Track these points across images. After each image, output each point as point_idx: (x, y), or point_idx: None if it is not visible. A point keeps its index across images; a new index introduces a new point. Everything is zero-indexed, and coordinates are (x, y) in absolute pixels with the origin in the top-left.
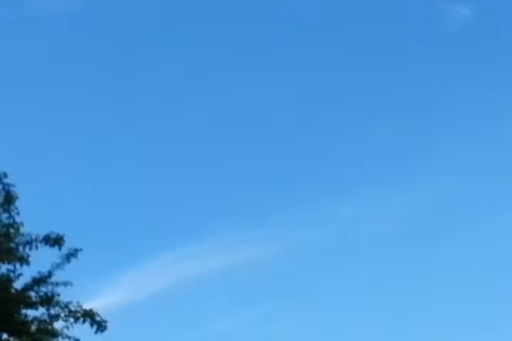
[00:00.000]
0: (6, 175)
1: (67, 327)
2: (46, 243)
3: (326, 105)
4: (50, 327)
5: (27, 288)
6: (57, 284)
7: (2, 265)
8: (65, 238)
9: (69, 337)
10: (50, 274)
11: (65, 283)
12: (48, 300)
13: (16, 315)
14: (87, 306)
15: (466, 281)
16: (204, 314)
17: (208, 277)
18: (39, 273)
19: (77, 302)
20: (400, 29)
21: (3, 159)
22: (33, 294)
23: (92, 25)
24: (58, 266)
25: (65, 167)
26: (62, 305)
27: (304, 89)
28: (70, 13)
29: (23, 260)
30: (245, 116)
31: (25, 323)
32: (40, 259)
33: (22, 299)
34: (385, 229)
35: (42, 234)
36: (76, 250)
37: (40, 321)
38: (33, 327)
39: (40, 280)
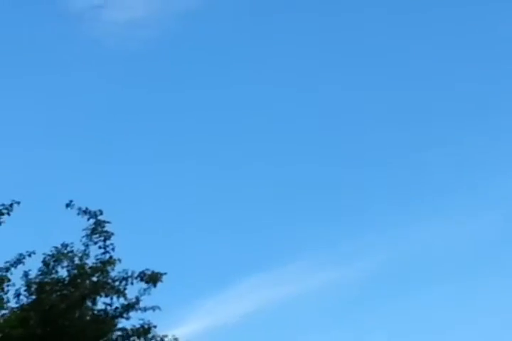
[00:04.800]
0: (101, 212)
1: None
2: (141, 280)
3: None
4: None
5: (116, 315)
6: (145, 309)
7: (99, 298)
8: (160, 275)
9: None
10: (137, 300)
11: (153, 308)
12: (144, 332)
13: None
14: (174, 333)
15: None
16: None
17: (290, 302)
18: (127, 299)
19: (173, 335)
20: None
21: (99, 195)
22: (129, 327)
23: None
24: (145, 291)
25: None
26: (158, 339)
27: None
28: None
29: (120, 293)
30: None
31: None
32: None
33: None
34: None
35: (137, 269)
36: (161, 274)
37: None
38: None
39: (129, 307)
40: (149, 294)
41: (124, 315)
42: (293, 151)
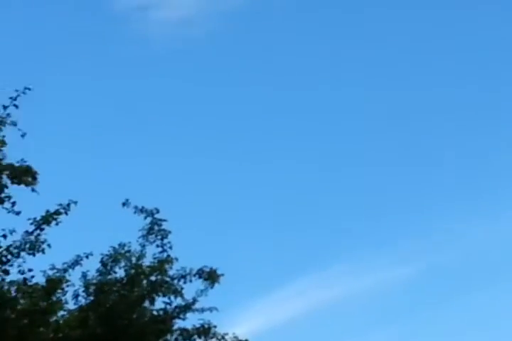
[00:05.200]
0: (157, 211)
1: None
2: (200, 277)
3: None
4: None
5: (174, 316)
6: (202, 310)
7: (158, 298)
8: (218, 272)
9: None
10: (194, 301)
11: (211, 309)
12: (204, 332)
13: None
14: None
15: None
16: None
17: (339, 303)
18: (184, 300)
19: (233, 333)
20: None
21: (155, 194)
22: (189, 327)
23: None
24: (202, 292)
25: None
26: (219, 337)
27: None
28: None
29: (177, 293)
30: None
31: None
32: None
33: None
34: None
35: (195, 267)
36: (218, 275)
37: None
38: None
39: (186, 307)
40: (206, 295)
41: (181, 316)
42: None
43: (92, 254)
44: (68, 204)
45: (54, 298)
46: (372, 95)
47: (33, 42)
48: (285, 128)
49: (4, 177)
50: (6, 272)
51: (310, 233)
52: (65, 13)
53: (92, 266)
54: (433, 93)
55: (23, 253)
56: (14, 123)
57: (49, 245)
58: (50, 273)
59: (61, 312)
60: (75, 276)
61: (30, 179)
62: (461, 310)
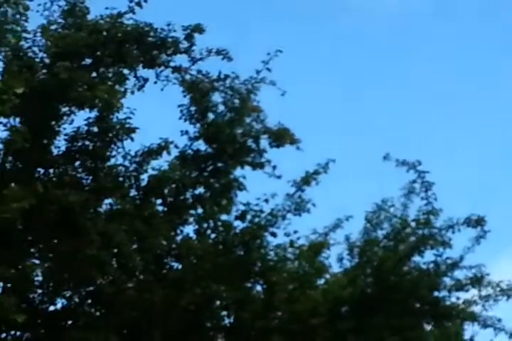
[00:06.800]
0: (419, 163)
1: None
2: (468, 225)
3: None
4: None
5: (441, 275)
6: (470, 268)
7: (427, 250)
8: (485, 218)
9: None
10: (461, 258)
11: (479, 266)
12: (478, 281)
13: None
14: None
15: None
16: None
17: None
18: (450, 258)
19: (509, 280)
20: None
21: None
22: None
23: None
24: (469, 249)
25: None
26: (494, 285)
27: None
28: None
29: (446, 244)
30: None
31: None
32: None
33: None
34: None
35: (461, 217)
36: (485, 232)
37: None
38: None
39: (453, 265)
40: (473, 252)
41: (449, 275)
42: None
43: (352, 216)
44: (327, 163)
45: (318, 262)
46: None
47: None
48: None
49: (263, 141)
50: (274, 234)
51: None
52: None
53: (354, 229)
54: None
55: (288, 215)
56: (273, 83)
57: (314, 204)
58: (313, 237)
59: (327, 276)
60: (337, 239)
61: (288, 143)
62: None
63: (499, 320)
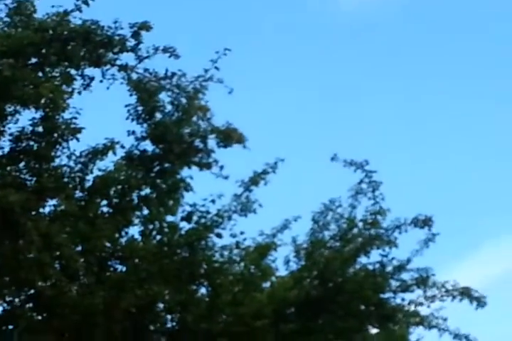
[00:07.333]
0: (367, 163)
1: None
2: (415, 225)
3: None
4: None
5: (387, 276)
6: (418, 270)
7: (373, 251)
8: (433, 218)
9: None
10: (408, 261)
11: (426, 269)
12: (423, 282)
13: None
14: None
15: None
16: None
17: None
18: (396, 259)
19: (454, 280)
20: None
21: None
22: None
23: None
24: (417, 252)
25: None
26: (439, 286)
27: None
28: None
29: (392, 243)
30: None
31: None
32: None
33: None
34: None
35: (409, 217)
36: (434, 234)
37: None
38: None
39: (400, 268)
40: (421, 255)
41: (395, 277)
42: None
43: (300, 217)
44: (276, 163)
45: (264, 264)
46: None
47: None
48: None
49: (211, 141)
50: (219, 236)
51: None
52: None
53: (302, 230)
54: None
55: (234, 216)
56: (220, 81)
57: (260, 205)
58: (260, 238)
59: (273, 278)
60: (285, 240)
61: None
62: None
63: (445, 320)
